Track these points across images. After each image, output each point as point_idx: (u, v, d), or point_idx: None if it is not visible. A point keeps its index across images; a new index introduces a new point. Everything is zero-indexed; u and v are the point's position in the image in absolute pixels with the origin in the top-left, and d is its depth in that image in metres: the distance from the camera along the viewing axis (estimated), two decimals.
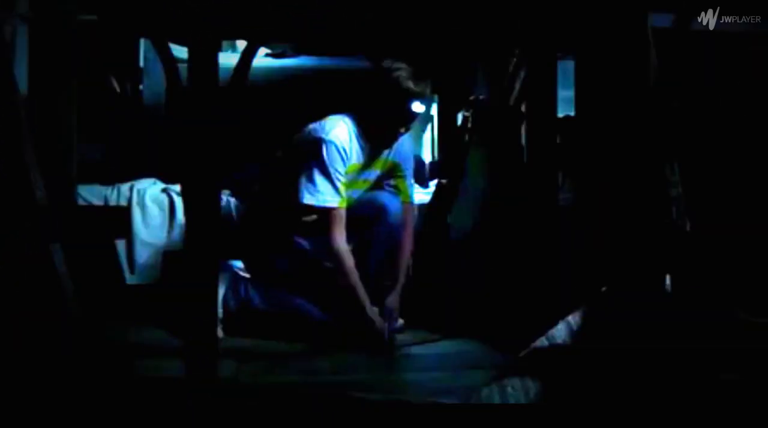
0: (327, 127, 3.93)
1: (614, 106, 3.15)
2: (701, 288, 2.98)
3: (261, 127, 4.86)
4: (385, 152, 4.08)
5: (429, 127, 5.84)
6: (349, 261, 3.83)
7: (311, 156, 3.87)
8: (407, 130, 3.99)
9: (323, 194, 3.83)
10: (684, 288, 2.97)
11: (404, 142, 4.13)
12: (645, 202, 3.02)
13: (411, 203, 4.20)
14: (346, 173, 3.89)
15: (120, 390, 2.85)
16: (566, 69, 3.67)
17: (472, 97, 4.39)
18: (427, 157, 5.68)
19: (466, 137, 4.36)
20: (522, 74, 4.02)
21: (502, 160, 4.18)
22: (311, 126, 4.02)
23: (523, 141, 4.01)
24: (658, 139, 3.05)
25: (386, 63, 3.89)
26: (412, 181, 4.27)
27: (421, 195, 4.71)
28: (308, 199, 3.84)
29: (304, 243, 4.01)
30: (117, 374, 3.03)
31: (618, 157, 3.12)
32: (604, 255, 3.18)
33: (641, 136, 3.05)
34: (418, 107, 3.86)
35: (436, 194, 4.47)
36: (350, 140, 3.91)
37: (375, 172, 4.11)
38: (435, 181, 4.68)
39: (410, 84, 3.82)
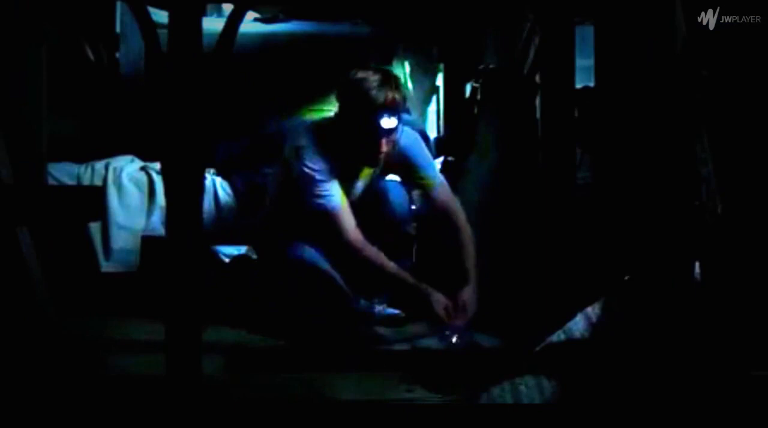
0: (299, 132, 3.95)
1: (637, 75, 3.17)
2: (733, 277, 2.94)
3: (249, 98, 4.88)
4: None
5: (434, 98, 5.86)
6: (369, 248, 3.83)
7: (292, 164, 3.89)
8: (376, 161, 3.92)
9: (319, 197, 3.84)
10: (714, 276, 2.95)
11: (404, 140, 3.98)
12: (672, 182, 3.04)
13: (438, 186, 4.00)
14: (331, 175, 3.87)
15: (93, 389, 2.88)
16: (585, 35, 3.68)
17: (481, 66, 4.39)
18: (432, 132, 5.66)
19: (475, 110, 4.37)
20: (536, 41, 4.00)
21: (515, 135, 4.17)
22: (286, 127, 4.06)
23: (538, 114, 3.98)
24: (686, 112, 3.04)
25: (353, 74, 3.80)
26: (429, 161, 4.09)
27: None
28: (309, 206, 3.86)
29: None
30: (90, 372, 3.09)
31: (642, 132, 3.14)
32: (626, 240, 3.20)
33: (667, 109, 3.07)
34: (387, 122, 3.76)
35: (442, 173, 4.29)
36: (324, 140, 3.89)
37: (370, 177, 4.06)
38: (441, 159, 4.67)
39: (379, 96, 3.72)
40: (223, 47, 2.93)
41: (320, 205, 3.82)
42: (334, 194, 3.83)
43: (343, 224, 3.82)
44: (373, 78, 3.75)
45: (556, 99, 3.72)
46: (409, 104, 5.53)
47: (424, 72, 5.71)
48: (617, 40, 3.30)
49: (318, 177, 3.82)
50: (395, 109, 3.76)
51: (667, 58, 3.09)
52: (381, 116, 3.73)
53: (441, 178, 4.05)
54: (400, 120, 3.80)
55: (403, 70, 5.65)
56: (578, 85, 3.80)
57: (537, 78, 4.05)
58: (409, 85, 5.63)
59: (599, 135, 3.64)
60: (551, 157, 3.71)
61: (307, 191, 3.84)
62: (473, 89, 4.45)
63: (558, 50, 3.67)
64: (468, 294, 3.79)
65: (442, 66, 5.60)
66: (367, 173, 3.99)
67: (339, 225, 3.82)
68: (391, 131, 3.79)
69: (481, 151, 4.28)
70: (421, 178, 3.99)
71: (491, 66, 4.34)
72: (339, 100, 3.86)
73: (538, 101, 4.02)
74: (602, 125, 3.57)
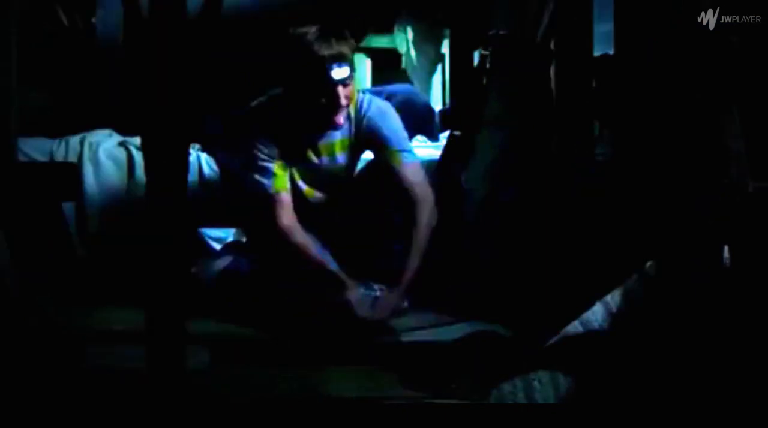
0: (252, 105, 4.06)
1: (661, 42, 3.10)
2: (765, 261, 2.94)
3: (236, 67, 4.85)
4: (338, 134, 4.04)
5: (440, 68, 5.90)
6: (299, 235, 3.91)
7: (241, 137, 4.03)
8: (337, 108, 3.90)
9: (257, 180, 3.94)
10: (745, 260, 2.93)
11: (372, 111, 4.04)
12: (699, 158, 2.97)
13: (405, 164, 4.01)
14: (280, 157, 3.95)
15: (69, 383, 2.91)
16: None
17: (491, 32, 4.30)
18: (437, 104, 5.67)
19: (484, 80, 4.30)
20: (551, 4, 3.95)
21: (527, 107, 4.10)
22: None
23: (553, 84, 3.96)
24: (715, 83, 2.99)
25: (292, 31, 3.86)
26: (398, 133, 4.08)
27: (430, 150, 4.67)
28: (248, 186, 3.96)
29: None
30: (65, 364, 3.08)
31: (666, 104, 3.06)
32: (649, 222, 3.15)
33: (694, 79, 3.00)
34: (338, 73, 3.79)
35: (447, 149, 4.42)
36: (273, 118, 3.97)
37: (341, 157, 4.09)
38: (446, 133, 4.65)
39: (323, 47, 3.76)
40: (209, 10, 2.88)
41: (259, 186, 3.92)
42: (271, 178, 3.91)
43: (278, 209, 3.90)
44: (312, 30, 3.77)
45: (572, 68, 3.77)
46: (412, 74, 5.52)
47: (428, 38, 5.77)
48: (638, 3, 3.25)
49: (260, 160, 3.92)
50: (342, 58, 3.77)
51: (693, 24, 3.03)
52: (330, 67, 3.74)
53: (413, 156, 4.06)
54: (353, 70, 3.83)
55: (405, 37, 5.65)
56: (596, 53, 3.82)
57: (552, 45, 4.01)
58: (412, 53, 5.61)
59: (619, 107, 3.64)
60: (567, 132, 3.75)
61: (247, 174, 3.96)
62: (482, 57, 4.38)
63: (574, 14, 3.71)
64: (392, 299, 3.84)
65: (447, 32, 5.60)
66: (340, 146, 4.01)
67: (274, 210, 3.90)
68: (345, 81, 3.80)
69: (491, 125, 4.20)
70: (388, 152, 3.98)
71: (502, 32, 4.25)
72: (284, 62, 3.86)
73: (552, 70, 3.99)
74: (622, 97, 3.56)
